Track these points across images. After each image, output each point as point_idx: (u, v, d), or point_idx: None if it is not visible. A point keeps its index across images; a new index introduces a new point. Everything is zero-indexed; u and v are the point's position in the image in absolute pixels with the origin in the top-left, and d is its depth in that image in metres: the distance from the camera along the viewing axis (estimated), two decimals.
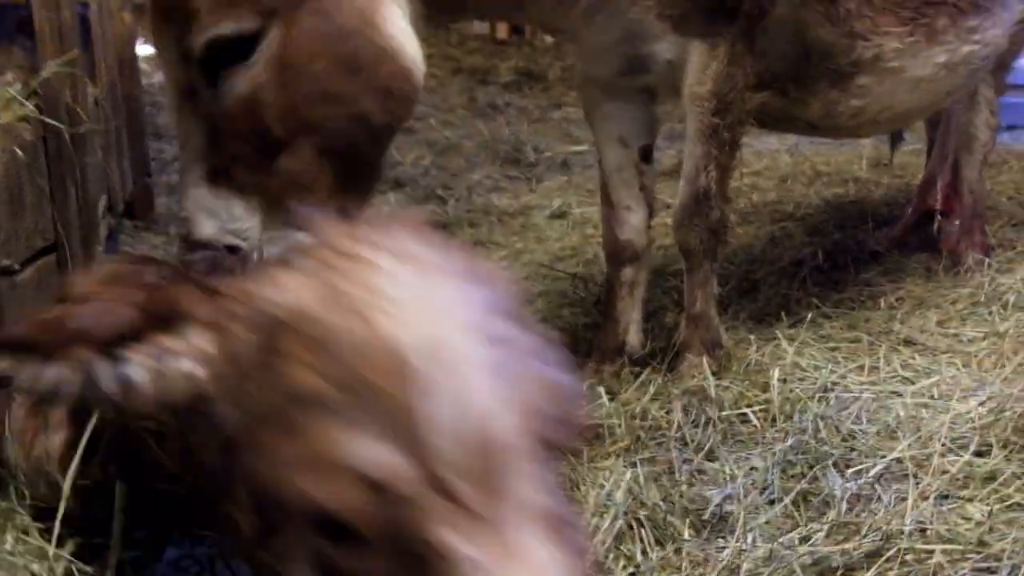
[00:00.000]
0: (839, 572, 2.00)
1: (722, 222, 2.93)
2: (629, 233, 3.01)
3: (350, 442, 0.92)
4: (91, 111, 3.21)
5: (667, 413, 2.65)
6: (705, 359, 2.91)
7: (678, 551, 2.09)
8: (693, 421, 2.59)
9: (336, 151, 2.33)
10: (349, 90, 2.29)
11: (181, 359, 1.09)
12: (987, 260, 3.58)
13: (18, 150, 2.41)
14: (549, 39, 7.90)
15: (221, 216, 2.31)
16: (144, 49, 5.95)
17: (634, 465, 2.37)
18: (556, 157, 5.59)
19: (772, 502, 2.25)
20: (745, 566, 2.01)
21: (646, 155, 3.04)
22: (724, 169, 2.88)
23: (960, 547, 2.02)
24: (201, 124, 2.30)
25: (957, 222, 3.77)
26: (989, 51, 3.40)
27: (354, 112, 2.31)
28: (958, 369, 2.84)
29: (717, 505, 2.23)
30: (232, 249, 2.30)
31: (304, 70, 2.25)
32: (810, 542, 2.07)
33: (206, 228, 2.30)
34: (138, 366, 1.09)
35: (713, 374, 2.84)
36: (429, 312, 0.97)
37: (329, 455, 0.92)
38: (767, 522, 2.16)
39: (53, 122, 2.64)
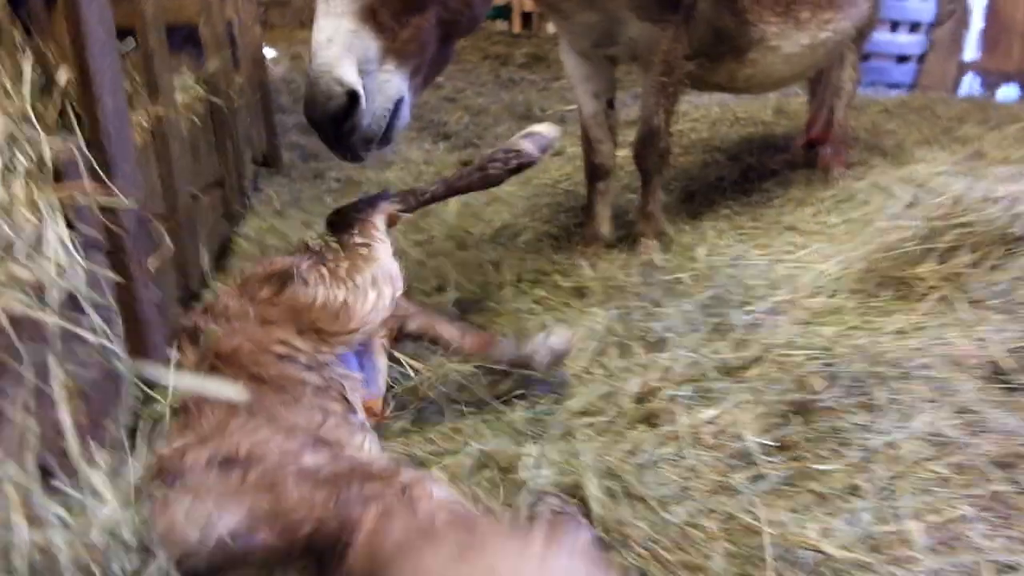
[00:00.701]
0: (736, 370, 2.07)
1: (667, 150, 2.96)
2: (602, 158, 3.03)
3: None
4: (238, 92, 3.33)
5: (628, 277, 2.70)
6: (654, 242, 2.96)
7: (635, 361, 2.18)
8: (646, 282, 2.64)
9: (444, 25, 2.07)
10: None
11: None
12: (847, 172, 3.60)
13: (195, 119, 2.56)
14: (551, 31, 7.80)
15: (363, 60, 1.87)
16: (268, 52, 6.01)
17: (607, 310, 2.44)
18: (555, 114, 5.56)
19: (696, 330, 2.31)
20: (676, 367, 2.08)
21: (611, 104, 3.04)
22: (668, 113, 2.89)
23: (815, 352, 2.07)
24: None
25: (829, 148, 3.77)
26: (840, 37, 3.39)
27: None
28: (822, 244, 2.87)
29: (659, 333, 2.30)
30: (352, 97, 1.84)
31: None
32: (718, 353, 2.15)
33: (343, 66, 1.83)
34: None
35: (660, 251, 2.91)
36: None
37: None
38: (691, 342, 2.23)
39: (216, 100, 2.78)
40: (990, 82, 6.45)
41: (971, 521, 1.49)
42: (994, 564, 1.37)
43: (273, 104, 4.96)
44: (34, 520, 0.79)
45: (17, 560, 0.74)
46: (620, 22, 2.74)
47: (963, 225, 2.43)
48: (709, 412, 1.92)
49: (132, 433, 1.31)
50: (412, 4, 1.96)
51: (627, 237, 3.10)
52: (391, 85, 1.95)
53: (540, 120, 5.63)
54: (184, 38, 3.25)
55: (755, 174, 3.82)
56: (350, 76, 1.83)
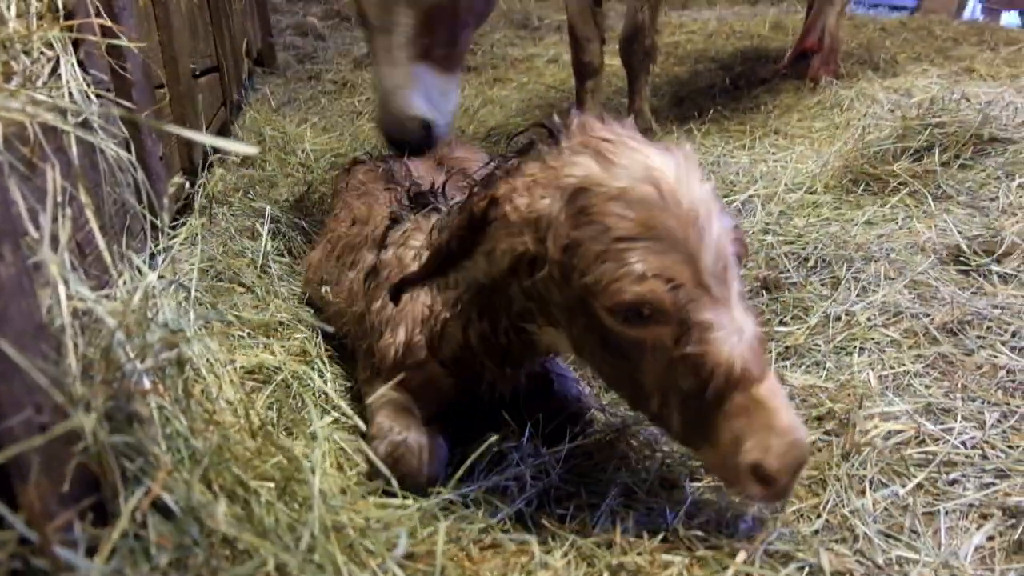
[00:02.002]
0: None
1: (653, 47, 2.96)
2: (590, 56, 3.02)
3: (655, 259, 0.98)
4: None
5: None
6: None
7: None
8: None
9: (469, 27, 2.21)
10: None
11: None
12: (834, 81, 3.62)
13: None
14: None
15: (426, 93, 2.04)
16: None
17: None
18: (552, 23, 5.56)
19: None
20: None
21: (598, 2, 3.02)
22: (654, 8, 2.88)
23: (788, 238, 2.20)
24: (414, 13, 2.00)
25: (819, 57, 3.78)
26: None
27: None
28: (805, 147, 2.96)
29: None
30: (427, 126, 2.02)
31: None
32: None
33: (415, 105, 1.99)
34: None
35: None
36: (687, 180, 1.01)
37: (647, 271, 0.98)
38: None
39: None
40: (992, 8, 6.42)
41: (917, 376, 1.63)
42: (936, 405, 1.51)
43: (268, 4, 4.92)
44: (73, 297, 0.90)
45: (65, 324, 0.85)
46: None
47: (937, 126, 2.52)
48: None
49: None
50: (455, 29, 2.10)
51: None
52: (451, 96, 2.14)
53: (535, 28, 5.63)
54: None
55: (745, 82, 3.87)
56: (422, 110, 2.01)
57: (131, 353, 0.87)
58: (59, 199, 1.00)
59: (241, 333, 1.79)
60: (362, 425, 1.23)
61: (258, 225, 2.28)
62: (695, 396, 1.01)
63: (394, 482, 1.11)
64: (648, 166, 1.01)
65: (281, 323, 1.90)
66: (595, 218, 1.00)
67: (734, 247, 1.04)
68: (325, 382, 1.69)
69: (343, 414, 1.52)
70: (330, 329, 1.65)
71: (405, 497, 1.18)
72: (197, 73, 2.47)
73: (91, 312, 0.93)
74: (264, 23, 4.45)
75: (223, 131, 3.00)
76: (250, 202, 2.51)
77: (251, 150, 0.70)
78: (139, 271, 1.00)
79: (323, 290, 1.82)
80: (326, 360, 1.77)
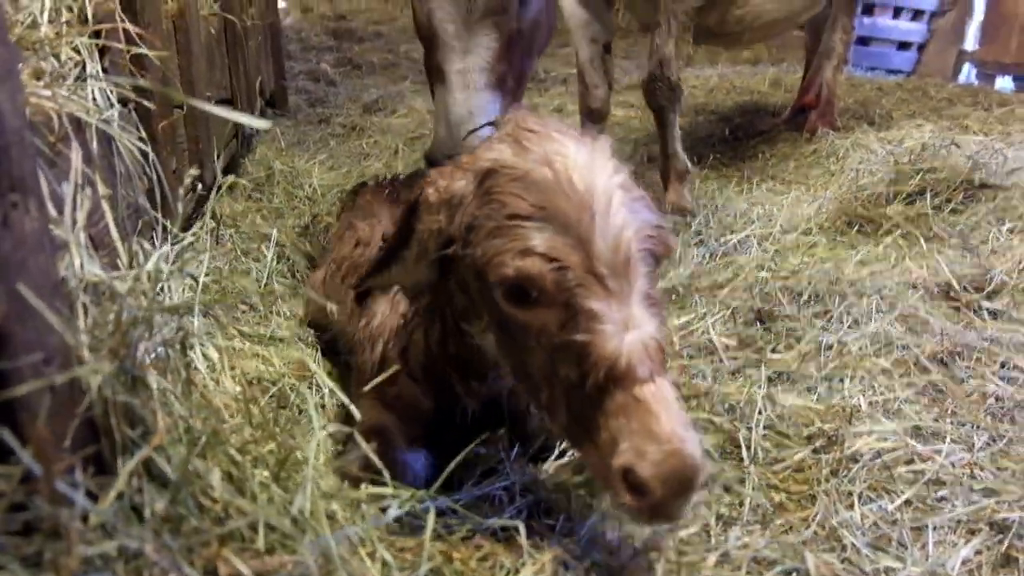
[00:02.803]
0: (709, 288, 2.21)
1: (678, 83, 2.92)
2: (597, 103, 3.07)
3: (542, 238, 0.99)
4: (250, 19, 3.46)
5: None
6: (681, 187, 2.95)
7: None
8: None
9: (532, 59, 2.19)
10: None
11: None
12: (831, 132, 3.71)
13: (212, 30, 2.70)
14: None
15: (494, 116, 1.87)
16: (279, 2, 6.15)
17: None
18: (559, 76, 5.72)
19: (698, 245, 2.49)
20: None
21: (608, 49, 3.08)
22: (678, 44, 2.88)
23: (783, 274, 2.24)
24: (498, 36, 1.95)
25: (816, 109, 3.89)
26: None
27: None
28: (801, 191, 3.04)
29: (675, 249, 2.46)
30: None
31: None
32: (695, 275, 2.30)
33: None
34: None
35: (688, 195, 2.96)
36: (592, 166, 1.03)
37: (528, 246, 0.99)
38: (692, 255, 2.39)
39: (229, 16, 2.91)
40: (988, 73, 6.61)
41: (907, 402, 1.65)
42: (926, 428, 1.53)
43: (283, 51, 5.08)
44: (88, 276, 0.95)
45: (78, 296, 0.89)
46: None
47: (929, 171, 2.60)
48: (680, 320, 2.08)
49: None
50: (527, 59, 2.07)
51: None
52: None
53: (541, 80, 5.79)
54: None
55: (744, 133, 3.98)
56: None
57: (138, 322, 0.91)
58: (79, 181, 1.05)
59: (242, 346, 1.82)
60: (360, 440, 1.24)
61: (263, 247, 2.34)
62: (577, 388, 0.98)
63: (386, 474, 1.12)
64: (553, 152, 1.03)
65: (281, 339, 1.93)
66: (495, 197, 1.03)
67: (647, 244, 1.03)
68: (323, 397, 1.72)
69: (339, 421, 1.54)
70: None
71: (396, 487, 1.19)
72: (212, 102, 2.56)
73: (101, 289, 0.97)
74: (278, 67, 4.59)
75: (233, 162, 3.08)
76: (257, 227, 2.57)
77: (264, 124, 0.75)
78: (145, 255, 1.04)
79: (328, 308, 1.85)
80: (324, 375, 1.79)
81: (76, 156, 0.97)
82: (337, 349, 1.85)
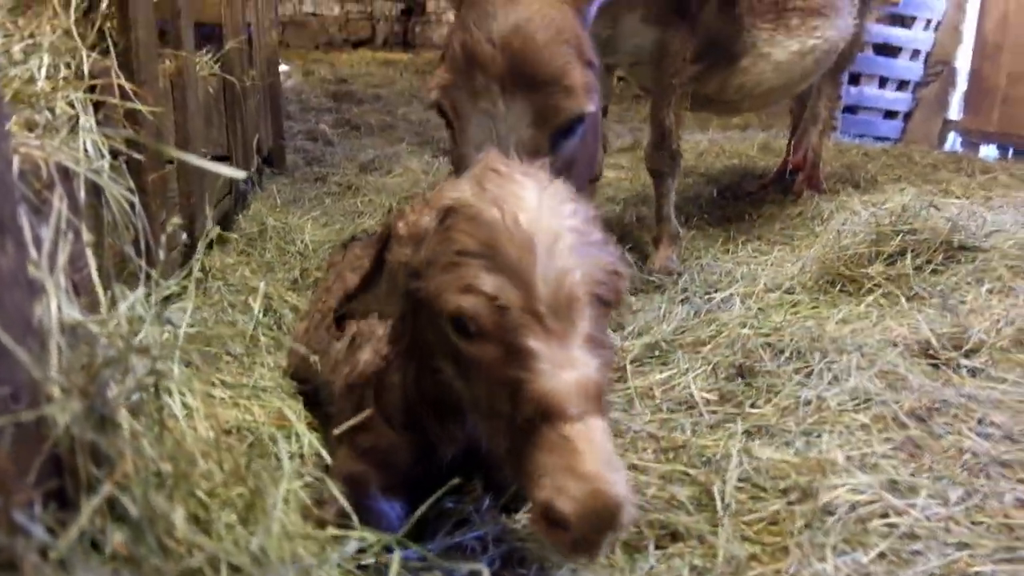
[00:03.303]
0: (692, 344, 2.25)
1: (678, 151, 3.01)
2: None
3: (484, 276, 1.02)
4: (250, 81, 3.58)
5: None
6: (671, 251, 3.01)
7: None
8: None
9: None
10: None
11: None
12: (816, 195, 3.80)
13: (210, 89, 2.79)
14: None
15: None
16: (282, 67, 6.35)
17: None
18: None
19: (683, 302, 2.53)
20: (637, 342, 2.32)
21: (604, 113, 3.08)
22: (678, 114, 2.96)
23: (765, 331, 2.26)
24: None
25: (802, 172, 4.00)
26: (828, 46, 3.42)
27: None
28: (786, 252, 3.08)
29: (660, 305, 2.50)
30: None
31: None
32: (678, 331, 2.34)
33: None
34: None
35: (677, 259, 3.01)
36: (541, 208, 1.06)
37: (471, 283, 1.02)
38: (654, 322, 2.43)
39: (228, 76, 3.02)
40: (972, 141, 6.77)
41: (884, 456, 1.65)
42: (902, 483, 1.53)
43: (282, 110, 5.21)
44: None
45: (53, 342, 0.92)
46: (626, 30, 2.83)
47: (909, 232, 2.65)
48: (663, 375, 2.10)
49: None
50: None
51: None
52: None
53: None
54: (205, 36, 3.50)
55: (731, 195, 4.05)
56: None
57: (110, 363, 0.93)
58: (62, 227, 1.09)
59: (223, 395, 1.83)
60: (331, 485, 1.25)
61: (251, 300, 2.36)
62: (512, 423, 1.01)
63: (355, 517, 1.13)
64: (508, 192, 1.07)
65: (264, 390, 1.94)
66: (450, 234, 1.07)
67: (596, 289, 1.05)
68: (301, 447, 1.72)
69: (314, 476, 1.54)
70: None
71: (364, 530, 1.19)
72: (208, 159, 2.63)
73: (80, 332, 1.00)
74: (277, 126, 4.70)
75: (227, 218, 3.14)
76: (246, 280, 2.61)
77: (239, 174, 0.79)
78: (123, 296, 1.07)
79: (312, 359, 1.87)
80: (302, 425, 1.80)
81: (58, 201, 1.00)
82: (320, 401, 1.86)
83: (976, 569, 1.27)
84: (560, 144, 1.94)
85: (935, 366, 2.08)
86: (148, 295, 1.41)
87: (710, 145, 5.35)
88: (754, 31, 3.11)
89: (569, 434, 0.95)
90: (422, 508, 1.14)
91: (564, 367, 0.99)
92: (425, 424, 1.34)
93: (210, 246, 2.76)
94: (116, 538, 0.88)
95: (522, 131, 1.86)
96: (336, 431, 1.31)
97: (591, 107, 1.91)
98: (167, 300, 2.02)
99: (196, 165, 2.12)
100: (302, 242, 3.24)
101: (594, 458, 0.93)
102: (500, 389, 1.03)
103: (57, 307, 0.95)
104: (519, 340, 1.00)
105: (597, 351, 1.03)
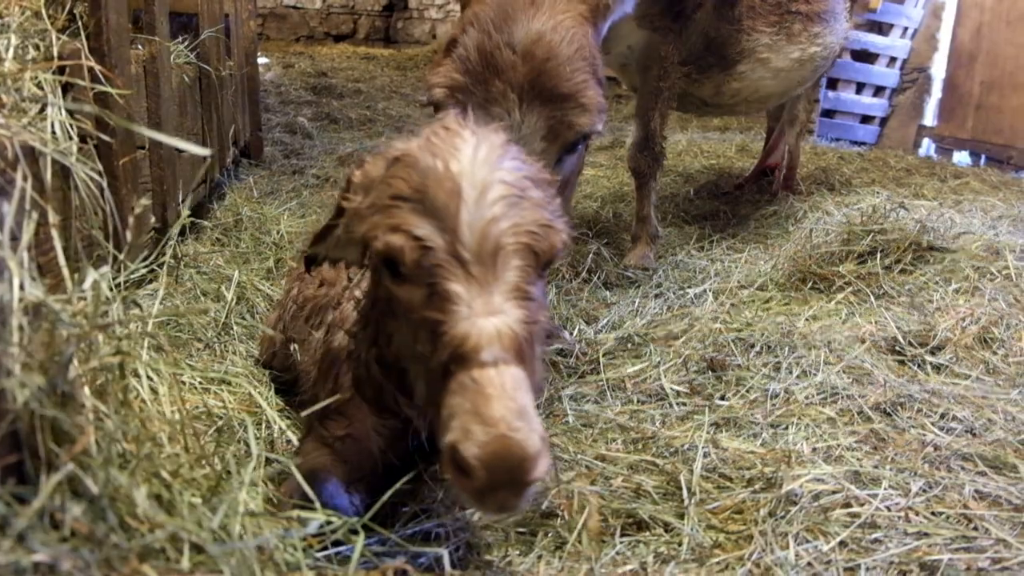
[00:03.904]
0: (664, 338, 2.26)
1: (662, 153, 3.00)
2: None
3: (412, 219, 1.05)
4: (228, 72, 3.55)
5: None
6: (648, 249, 3.00)
7: (576, 334, 2.41)
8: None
9: None
10: None
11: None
12: (791, 195, 3.84)
13: (185, 78, 2.77)
14: None
15: None
16: (261, 59, 6.29)
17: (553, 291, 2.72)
18: None
19: (657, 297, 2.55)
20: (610, 336, 2.34)
21: None
22: (663, 116, 2.94)
23: (736, 327, 2.28)
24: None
25: (779, 173, 4.04)
26: (827, 53, 3.41)
27: None
28: (760, 250, 3.11)
29: (634, 300, 2.56)
30: None
31: None
32: (651, 325, 2.38)
33: None
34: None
35: (653, 257, 3.01)
36: (475, 160, 1.08)
37: (400, 224, 1.06)
38: (628, 317, 2.47)
39: (205, 65, 2.99)
40: (945, 148, 6.88)
41: (849, 449, 1.68)
42: (865, 474, 1.56)
43: (260, 102, 5.17)
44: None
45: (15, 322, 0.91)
46: (620, 32, 2.79)
47: (879, 232, 2.69)
48: (635, 368, 2.12)
49: None
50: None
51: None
52: None
53: None
54: (182, 26, 3.47)
55: (707, 193, 4.08)
56: None
57: (71, 340, 0.92)
58: (27, 207, 1.08)
59: (192, 381, 1.82)
60: (295, 470, 1.24)
61: (224, 288, 2.35)
62: (429, 365, 1.03)
63: (317, 503, 1.13)
64: (448, 145, 1.10)
65: (235, 376, 1.93)
66: (390, 180, 1.11)
67: (524, 239, 1.06)
68: (271, 434, 1.72)
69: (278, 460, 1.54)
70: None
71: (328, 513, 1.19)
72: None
73: (41, 312, 0.99)
74: (255, 118, 4.67)
75: (200, 207, 3.11)
76: (219, 269, 2.59)
77: (203, 151, 0.79)
78: (86, 274, 1.06)
79: (291, 347, 1.86)
80: (273, 411, 1.79)
81: (21, 179, 1.00)
82: (295, 391, 1.85)
83: (933, 558, 1.30)
84: (563, 160, 1.91)
85: (901, 362, 2.12)
86: (114, 277, 1.40)
87: (689, 145, 5.38)
88: (754, 35, 3.07)
89: (479, 379, 0.95)
90: (384, 497, 1.14)
91: (483, 313, 1.00)
92: (394, 399, 1.34)
93: (183, 234, 2.74)
94: (75, 514, 0.87)
95: (535, 143, 1.81)
96: (305, 413, 1.31)
97: (600, 127, 1.89)
98: (138, 285, 2.01)
99: (167, 152, 2.10)
100: (277, 232, 3.22)
101: (503, 405, 0.93)
102: (422, 332, 1.04)
103: (20, 285, 0.95)
104: (441, 282, 1.02)
105: (523, 302, 1.04)
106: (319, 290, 1.89)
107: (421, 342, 1.05)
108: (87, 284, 0.98)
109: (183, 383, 1.75)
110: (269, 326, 2.06)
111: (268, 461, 1.59)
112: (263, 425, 1.72)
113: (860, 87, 6.92)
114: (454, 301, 1.01)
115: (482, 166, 1.08)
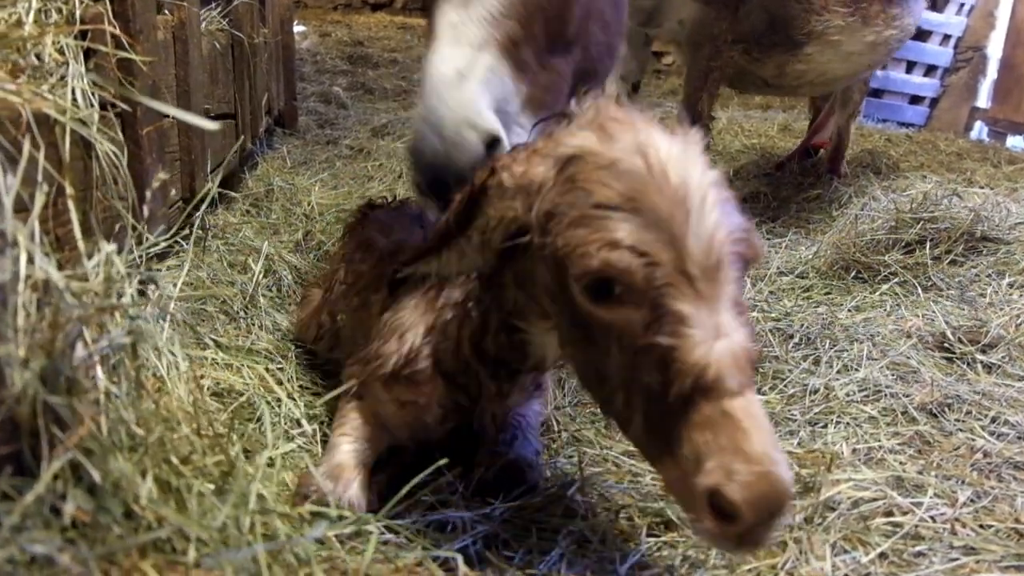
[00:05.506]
0: None
1: (707, 131, 2.87)
2: None
3: (633, 233, 0.91)
4: (262, 40, 3.49)
5: None
6: None
7: None
8: None
9: (577, 76, 1.71)
10: None
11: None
12: (835, 178, 3.70)
13: (217, 45, 2.71)
14: None
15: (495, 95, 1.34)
16: (298, 27, 6.24)
17: None
18: None
19: None
20: None
21: (636, 88, 3.01)
22: (711, 97, 2.83)
23: (775, 316, 2.21)
24: None
25: (825, 154, 3.89)
26: (903, 35, 3.23)
27: None
28: (801, 235, 3.01)
29: None
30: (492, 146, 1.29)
31: None
32: None
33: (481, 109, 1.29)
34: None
35: None
36: (688, 161, 0.96)
37: (616, 238, 0.91)
38: None
39: (237, 32, 2.93)
40: (999, 131, 6.60)
41: (892, 452, 1.60)
42: (909, 480, 1.47)
43: (296, 71, 5.13)
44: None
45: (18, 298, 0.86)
46: (669, 4, 2.68)
47: (930, 220, 2.56)
48: None
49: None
50: (558, 41, 1.51)
51: None
52: (525, 122, 1.42)
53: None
54: None
55: (747, 174, 3.96)
56: (491, 121, 1.30)
57: (76, 320, 0.88)
58: (39, 178, 1.03)
59: (215, 357, 1.79)
60: (316, 474, 1.20)
61: (251, 261, 2.31)
62: (659, 397, 0.91)
63: (331, 501, 1.08)
64: (644, 142, 0.96)
65: (260, 351, 1.90)
66: (581, 185, 0.96)
67: (738, 247, 0.95)
68: (294, 407, 1.68)
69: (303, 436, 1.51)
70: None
71: (340, 508, 1.15)
72: (211, 116, 2.56)
73: (52, 290, 0.95)
74: (289, 87, 4.63)
75: (231, 177, 3.08)
76: (248, 241, 2.56)
77: (213, 125, 0.73)
78: (100, 250, 1.01)
79: (338, 318, 1.78)
80: (298, 389, 1.76)
81: (27, 147, 0.95)
82: (333, 368, 1.79)
83: (982, 575, 1.22)
84: None
85: (949, 360, 2.02)
86: (131, 252, 1.36)
87: (729, 124, 5.23)
88: (826, 15, 2.89)
89: (731, 410, 0.86)
90: (401, 493, 1.10)
91: (718, 335, 0.89)
92: (479, 382, 1.28)
93: (214, 205, 2.71)
94: (77, 503, 0.84)
95: None
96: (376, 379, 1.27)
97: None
98: (161, 259, 1.98)
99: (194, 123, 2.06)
100: (308, 204, 3.18)
101: (761, 438, 0.85)
102: (643, 359, 0.92)
103: (26, 260, 0.90)
104: (669, 303, 0.90)
105: (743, 316, 0.94)
106: (377, 265, 1.76)
107: (643, 371, 0.92)
108: (96, 260, 0.93)
109: (204, 359, 1.72)
110: (309, 309, 1.98)
111: (291, 436, 1.56)
112: (284, 404, 1.68)
113: (911, 66, 6.65)
114: (687, 323, 0.89)
115: (693, 168, 0.95)
